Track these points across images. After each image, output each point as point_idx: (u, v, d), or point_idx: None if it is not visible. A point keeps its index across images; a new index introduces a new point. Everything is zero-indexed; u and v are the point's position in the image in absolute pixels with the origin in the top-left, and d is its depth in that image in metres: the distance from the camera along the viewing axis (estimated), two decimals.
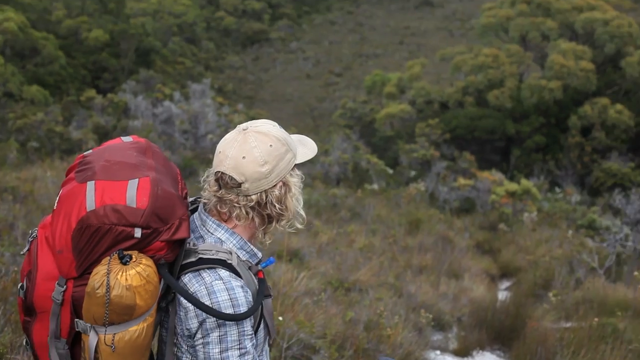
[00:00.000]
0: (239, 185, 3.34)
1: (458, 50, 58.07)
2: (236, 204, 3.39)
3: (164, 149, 27.17)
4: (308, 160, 3.57)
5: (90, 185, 3.22)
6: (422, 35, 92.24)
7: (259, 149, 3.33)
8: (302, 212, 3.55)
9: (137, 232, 3.18)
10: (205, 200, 3.49)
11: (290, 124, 54.50)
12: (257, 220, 3.45)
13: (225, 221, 3.45)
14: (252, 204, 3.39)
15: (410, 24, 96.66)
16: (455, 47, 61.93)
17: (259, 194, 3.37)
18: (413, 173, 35.20)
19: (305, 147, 3.56)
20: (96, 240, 3.17)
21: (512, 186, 30.36)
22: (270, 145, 3.35)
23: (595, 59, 53.75)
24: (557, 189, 39.41)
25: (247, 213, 3.40)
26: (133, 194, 3.19)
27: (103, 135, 28.77)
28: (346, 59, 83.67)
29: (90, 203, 3.18)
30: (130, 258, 3.16)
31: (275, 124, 3.50)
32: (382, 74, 60.80)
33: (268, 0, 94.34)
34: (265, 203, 3.40)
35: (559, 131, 52.35)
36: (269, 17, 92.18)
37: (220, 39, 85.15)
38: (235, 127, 3.55)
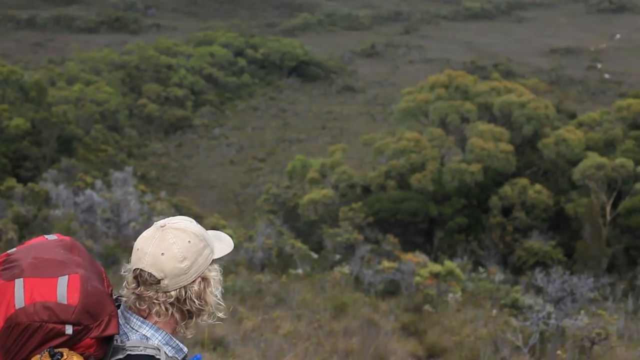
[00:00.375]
0: (158, 281, 3.32)
1: (380, 135, 58.84)
2: (155, 301, 3.36)
3: (86, 238, 26.84)
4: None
5: (19, 282, 3.17)
6: (345, 120, 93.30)
7: (177, 246, 3.34)
8: (223, 303, 3.57)
9: (68, 329, 3.14)
10: (125, 298, 3.47)
11: (214, 210, 54.40)
12: (177, 316, 3.43)
13: (145, 318, 3.43)
14: (172, 300, 3.37)
15: (333, 108, 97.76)
16: (378, 131, 62.80)
17: (178, 290, 3.36)
18: (337, 257, 35.23)
19: (222, 243, 3.57)
20: (25, 339, 3.12)
21: (436, 267, 30.56)
22: (189, 242, 3.37)
23: (514, 140, 54.93)
24: (481, 269, 39.76)
25: (166, 309, 3.38)
26: (64, 290, 3.16)
27: (23, 225, 28.31)
28: (269, 145, 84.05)
29: (19, 300, 3.13)
30: (62, 355, 3.11)
31: (193, 220, 3.54)
32: (305, 159, 61.21)
33: (190, 87, 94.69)
34: (185, 299, 3.39)
35: (480, 212, 53.10)
36: (191, 104, 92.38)
37: (143, 126, 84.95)
38: (157, 215, 3.59)
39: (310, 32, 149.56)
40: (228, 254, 3.55)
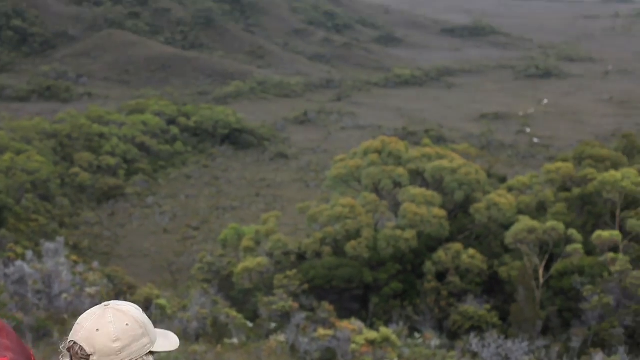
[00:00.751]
0: (88, 357, 3.29)
1: (315, 202, 58.98)
2: None
3: (16, 310, 26.33)
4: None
5: None
6: (278, 187, 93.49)
7: (114, 325, 3.31)
8: None
9: None
10: None
11: (148, 280, 53.73)
12: None
13: None
14: None
15: (266, 176, 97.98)
16: (311, 198, 62.94)
17: None
18: (273, 325, 35.04)
19: (167, 340, 3.54)
20: None
21: (372, 334, 30.56)
22: (127, 324, 3.34)
23: (446, 205, 55.46)
24: (417, 334, 39.87)
25: None
26: None
27: None
28: (203, 213, 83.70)
29: None
30: None
31: (139, 308, 3.50)
32: (239, 227, 60.96)
33: (123, 156, 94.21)
34: None
35: (415, 277, 53.29)
36: (124, 173, 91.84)
37: (75, 195, 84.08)
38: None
39: (242, 99, 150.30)
40: (169, 351, 3.51)
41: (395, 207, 56.18)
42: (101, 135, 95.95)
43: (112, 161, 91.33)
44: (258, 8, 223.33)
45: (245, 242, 56.94)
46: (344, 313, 45.83)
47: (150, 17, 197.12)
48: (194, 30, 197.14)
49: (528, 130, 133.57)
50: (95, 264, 41.27)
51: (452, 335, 46.61)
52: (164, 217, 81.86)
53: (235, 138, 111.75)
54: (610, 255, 48.90)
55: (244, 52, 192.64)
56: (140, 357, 3.46)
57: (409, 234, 51.79)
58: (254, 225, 60.83)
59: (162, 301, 31.24)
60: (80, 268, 33.84)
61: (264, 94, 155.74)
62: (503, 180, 68.28)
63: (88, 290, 28.38)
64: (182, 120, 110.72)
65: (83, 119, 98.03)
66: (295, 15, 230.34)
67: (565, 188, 58.29)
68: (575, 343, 45.09)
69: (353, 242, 52.08)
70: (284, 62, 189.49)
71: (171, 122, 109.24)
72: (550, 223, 50.94)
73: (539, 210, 56.80)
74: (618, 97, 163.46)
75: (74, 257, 36.70)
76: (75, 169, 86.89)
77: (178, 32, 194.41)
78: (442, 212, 53.52)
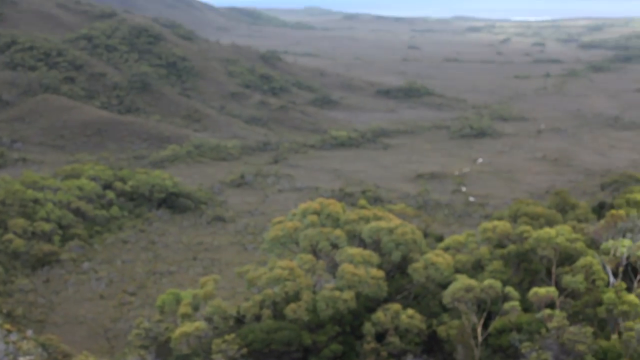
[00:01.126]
0: None
1: (254, 266, 58.71)
2: None
3: None
4: None
5: None
6: (216, 250, 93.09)
7: None
8: None
9: None
10: None
11: (84, 348, 52.97)
12: None
13: None
14: None
15: (204, 239, 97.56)
16: (249, 261, 62.68)
17: None
18: None
19: None
20: None
21: None
22: None
23: (384, 266, 55.67)
24: None
25: None
26: None
27: None
28: (140, 278, 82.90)
29: None
30: None
31: None
32: (176, 292, 60.35)
33: (58, 221, 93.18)
34: None
35: (354, 338, 53.13)
36: (59, 238, 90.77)
37: (8, 262, 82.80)
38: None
39: (179, 163, 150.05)
40: None
41: (334, 268, 56.18)
42: (36, 201, 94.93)
43: (47, 227, 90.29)
44: (194, 72, 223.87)
45: (183, 308, 56.33)
46: None
47: (85, 81, 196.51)
48: (130, 95, 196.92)
49: (464, 189, 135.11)
50: (30, 332, 40.62)
51: None
52: (100, 283, 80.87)
53: (172, 202, 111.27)
54: (547, 311, 49.34)
55: (181, 116, 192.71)
56: None
57: (348, 294, 51.78)
58: (191, 290, 60.28)
59: None
60: (13, 337, 33.27)
61: (201, 157, 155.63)
62: (440, 239, 68.82)
63: (22, 359, 27.85)
64: (118, 184, 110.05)
65: (17, 184, 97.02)
66: (231, 79, 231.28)
67: (501, 246, 58.88)
68: None
69: (293, 305, 51.88)
70: (221, 126, 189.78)
71: (107, 186, 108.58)
72: (488, 281, 51.29)
73: (476, 269, 57.24)
74: (551, 155, 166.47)
75: (7, 326, 36.06)
76: (9, 236, 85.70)
77: (114, 97, 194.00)
78: (380, 273, 53.66)
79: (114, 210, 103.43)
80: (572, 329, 47.66)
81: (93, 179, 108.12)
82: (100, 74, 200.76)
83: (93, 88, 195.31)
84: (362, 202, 79.42)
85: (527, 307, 51.72)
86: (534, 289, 51.18)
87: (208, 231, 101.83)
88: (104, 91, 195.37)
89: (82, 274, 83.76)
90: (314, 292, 53.86)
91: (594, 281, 52.11)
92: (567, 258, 55.04)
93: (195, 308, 56.39)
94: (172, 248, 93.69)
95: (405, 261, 56.87)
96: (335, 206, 61.20)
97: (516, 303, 50.62)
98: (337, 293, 52.03)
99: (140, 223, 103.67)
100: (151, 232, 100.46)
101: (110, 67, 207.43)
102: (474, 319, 51.14)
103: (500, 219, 65.40)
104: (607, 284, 52.31)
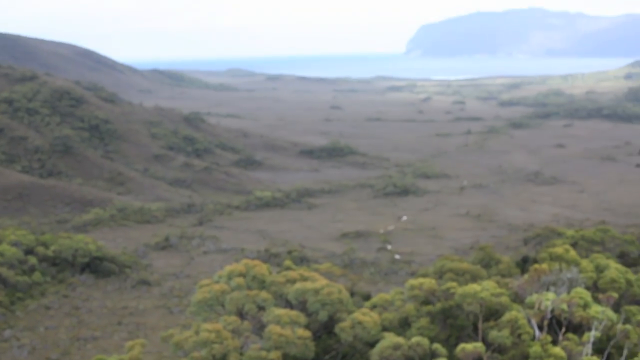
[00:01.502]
0: None
1: (180, 330, 58.14)
2: None
3: None
4: None
5: None
6: (141, 315, 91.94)
7: None
8: None
9: None
10: None
11: None
12: None
13: None
14: None
15: (128, 303, 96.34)
16: (175, 324, 62.05)
17: None
18: None
19: None
20: None
21: None
22: None
23: (311, 326, 55.58)
24: None
25: None
26: None
27: None
28: (64, 344, 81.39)
29: None
30: None
31: None
32: (102, 358, 59.42)
33: None
34: None
35: None
36: None
37: None
38: None
39: (102, 227, 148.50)
40: None
41: (260, 329, 55.91)
42: None
43: None
44: (117, 134, 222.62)
45: None
46: None
47: (6, 145, 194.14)
48: (52, 158, 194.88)
49: (389, 247, 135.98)
50: None
51: None
52: (22, 351, 79.23)
53: (96, 266, 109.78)
54: None
55: (104, 179, 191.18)
56: None
57: (275, 355, 51.50)
58: (117, 355, 59.41)
59: None
60: None
61: (125, 220, 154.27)
62: (367, 298, 69.02)
63: None
64: (40, 249, 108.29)
65: None
66: (154, 141, 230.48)
67: (427, 302, 59.26)
68: None
69: None
70: (145, 188, 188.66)
71: (29, 252, 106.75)
72: (415, 339, 51.50)
73: (403, 326, 57.44)
74: (474, 211, 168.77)
75: None
76: None
77: (35, 160, 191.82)
78: (307, 333, 53.56)
79: (36, 275, 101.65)
80: None
81: (14, 244, 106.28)
82: (22, 137, 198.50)
83: (14, 152, 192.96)
84: (288, 262, 79.38)
85: None
86: (461, 345, 51.48)
87: (133, 295, 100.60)
88: (25, 155, 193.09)
89: (4, 342, 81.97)
90: (241, 354, 53.49)
91: (519, 335, 52.60)
92: (493, 313, 55.56)
93: None
94: (97, 313, 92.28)
95: (332, 321, 56.86)
96: (260, 268, 61.06)
97: (444, 359, 50.88)
98: (263, 353, 51.72)
99: (63, 288, 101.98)
100: (75, 297, 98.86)
101: (32, 131, 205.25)
102: None
103: (425, 275, 65.84)
104: (533, 338, 52.85)
